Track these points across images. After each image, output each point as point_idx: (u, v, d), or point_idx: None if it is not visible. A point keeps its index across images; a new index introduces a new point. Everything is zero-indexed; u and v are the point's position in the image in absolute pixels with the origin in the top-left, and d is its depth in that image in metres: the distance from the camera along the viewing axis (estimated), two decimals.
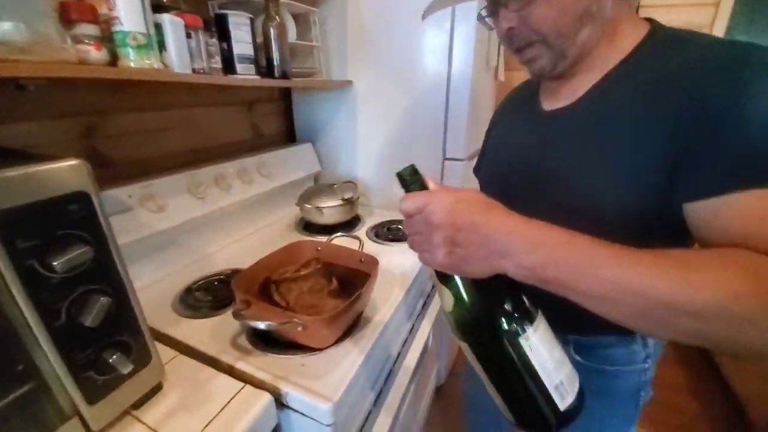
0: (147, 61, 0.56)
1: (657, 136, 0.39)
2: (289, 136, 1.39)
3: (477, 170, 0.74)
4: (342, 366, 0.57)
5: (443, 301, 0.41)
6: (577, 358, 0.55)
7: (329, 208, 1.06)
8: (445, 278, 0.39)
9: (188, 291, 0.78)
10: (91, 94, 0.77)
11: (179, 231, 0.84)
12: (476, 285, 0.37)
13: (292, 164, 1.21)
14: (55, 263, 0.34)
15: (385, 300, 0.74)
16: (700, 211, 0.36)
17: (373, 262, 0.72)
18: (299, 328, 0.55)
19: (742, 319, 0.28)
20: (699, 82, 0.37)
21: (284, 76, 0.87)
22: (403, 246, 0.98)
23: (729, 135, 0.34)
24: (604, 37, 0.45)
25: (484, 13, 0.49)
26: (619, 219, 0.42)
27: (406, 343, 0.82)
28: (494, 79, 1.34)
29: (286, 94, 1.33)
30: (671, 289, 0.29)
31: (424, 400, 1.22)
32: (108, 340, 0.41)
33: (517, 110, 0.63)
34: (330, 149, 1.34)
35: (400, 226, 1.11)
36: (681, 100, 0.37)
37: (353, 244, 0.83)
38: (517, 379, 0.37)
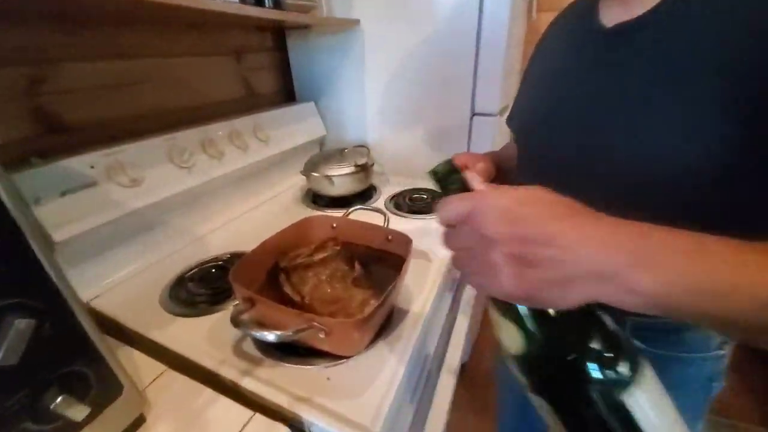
0: None
1: (751, 55, 0.26)
2: (287, 95, 1.21)
3: (510, 119, 0.57)
4: (378, 379, 0.44)
5: (505, 339, 0.28)
6: (638, 343, 0.43)
7: (340, 177, 0.90)
8: (508, 309, 0.27)
9: (180, 282, 0.64)
10: (34, 33, 0.59)
11: (163, 209, 0.69)
12: (553, 318, 0.25)
13: (292, 127, 1.04)
14: None
15: (420, 288, 0.60)
16: None
17: (406, 241, 0.57)
18: (321, 335, 0.41)
19: None
20: None
21: (278, 5, 0.68)
22: (430, 219, 0.84)
23: None
24: None
25: None
26: (711, 185, 0.30)
27: (441, 336, 0.69)
28: (527, 17, 1.13)
29: (280, 42, 1.12)
30: None
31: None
32: (47, 375, 0.27)
33: (568, 29, 0.47)
34: (336, 109, 1.15)
35: (423, 195, 0.96)
36: None
37: (376, 219, 0.68)
38: None
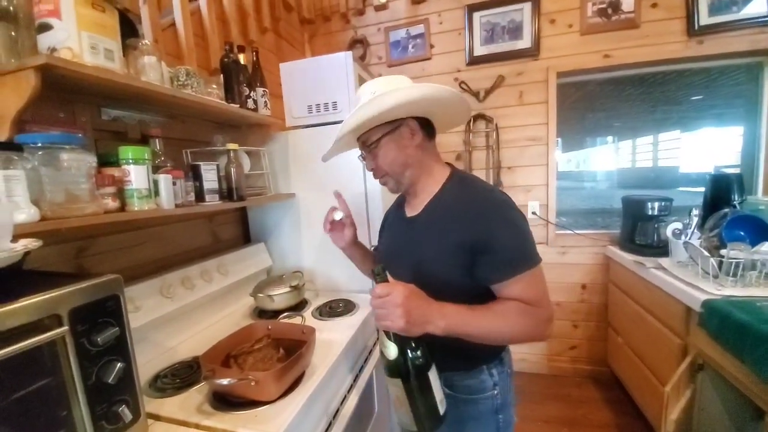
0: (146, 206, 0.83)
1: (457, 235, 0.74)
2: (244, 238, 1.66)
3: (376, 249, 1.06)
4: (287, 411, 0.76)
5: (387, 351, 0.66)
6: (447, 390, 0.79)
7: (279, 295, 1.28)
8: (390, 337, 0.66)
9: (156, 378, 0.93)
10: (90, 225, 1.00)
11: (149, 327, 1.01)
12: (409, 341, 0.65)
13: (247, 262, 1.46)
14: (99, 339, 0.56)
15: (323, 361, 0.95)
16: (495, 287, 0.72)
17: (311, 331, 0.95)
18: (253, 383, 0.75)
19: (521, 333, 0.68)
20: (480, 212, 0.73)
21: (241, 198, 1.18)
22: (341, 320, 1.22)
23: (500, 251, 0.70)
24: (423, 173, 0.83)
25: (361, 157, 0.88)
26: (446, 281, 0.74)
27: (347, 396, 1.00)
28: None
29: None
30: (500, 327, 0.69)
31: None
32: (117, 397, 0.60)
33: (396, 213, 0.98)
34: (280, 246, 1.62)
35: (341, 304, 1.35)
36: (470, 220, 0.73)
37: (298, 321, 1.06)
38: (423, 397, 0.65)
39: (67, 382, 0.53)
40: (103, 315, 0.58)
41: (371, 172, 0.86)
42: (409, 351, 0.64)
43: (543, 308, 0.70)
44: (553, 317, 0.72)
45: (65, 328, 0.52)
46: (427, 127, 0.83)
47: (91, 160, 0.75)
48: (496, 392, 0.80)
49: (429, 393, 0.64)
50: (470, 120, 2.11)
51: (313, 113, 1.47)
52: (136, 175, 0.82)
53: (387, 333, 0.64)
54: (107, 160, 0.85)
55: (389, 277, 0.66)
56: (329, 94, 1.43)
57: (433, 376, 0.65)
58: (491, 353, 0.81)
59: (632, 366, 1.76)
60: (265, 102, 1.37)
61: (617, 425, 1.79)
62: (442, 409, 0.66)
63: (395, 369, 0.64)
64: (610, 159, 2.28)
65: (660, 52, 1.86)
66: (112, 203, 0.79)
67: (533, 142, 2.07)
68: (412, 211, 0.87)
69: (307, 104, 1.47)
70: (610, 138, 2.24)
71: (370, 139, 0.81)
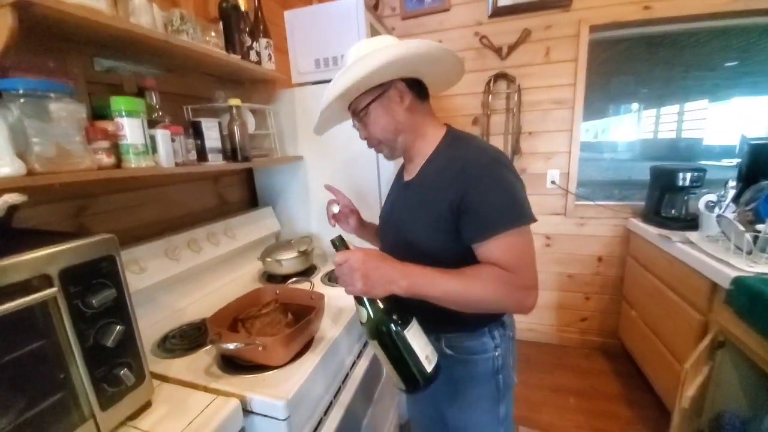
0: (144, 163, 0.78)
1: (447, 197, 0.68)
2: (251, 201, 1.62)
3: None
4: (296, 376, 0.74)
5: (360, 315, 0.65)
6: (448, 351, 0.78)
7: (288, 260, 1.25)
8: (360, 301, 0.64)
9: (165, 339, 0.92)
10: (86, 182, 0.96)
11: (156, 288, 1.00)
12: (378, 302, 0.63)
13: (254, 225, 1.42)
14: (93, 301, 0.52)
15: (332, 327, 0.93)
16: (475, 248, 0.67)
17: (320, 297, 0.92)
18: (260, 348, 0.73)
19: (494, 300, 0.61)
20: (468, 171, 0.67)
21: (246, 159, 1.12)
22: None
23: (482, 209, 0.65)
24: (417, 137, 0.77)
25: (355, 126, 0.81)
26: (427, 245, 0.72)
27: (357, 362, 0.99)
28: None
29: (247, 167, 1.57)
30: (468, 290, 0.62)
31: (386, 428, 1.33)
32: (118, 360, 0.58)
33: (396, 180, 0.94)
34: (288, 210, 1.57)
35: None
36: (458, 180, 0.67)
37: (306, 287, 1.03)
38: (405, 355, 0.61)
39: (63, 344, 0.51)
40: (97, 276, 0.54)
41: (365, 142, 0.81)
42: (380, 313, 0.62)
43: (521, 275, 0.63)
44: (535, 288, 0.65)
45: (55, 288, 0.48)
46: (418, 87, 0.76)
47: (81, 110, 0.69)
48: (497, 353, 0.78)
49: (410, 351, 0.61)
50: (490, 80, 1.96)
51: (321, 68, 1.36)
52: (130, 129, 0.76)
53: (358, 298, 0.63)
54: (101, 113, 0.78)
55: (349, 245, 0.65)
56: (339, 46, 1.31)
57: (412, 334, 0.62)
58: (492, 316, 0.79)
59: (645, 340, 1.72)
60: (269, 55, 1.27)
61: (625, 397, 1.79)
62: (429, 366, 0.62)
63: (372, 331, 0.63)
64: (631, 129, 2.12)
65: (706, 5, 1.66)
66: (106, 159, 0.74)
67: (558, 105, 1.92)
68: (408, 175, 0.83)
69: (314, 58, 1.36)
70: (635, 105, 2.07)
71: (359, 107, 0.76)
